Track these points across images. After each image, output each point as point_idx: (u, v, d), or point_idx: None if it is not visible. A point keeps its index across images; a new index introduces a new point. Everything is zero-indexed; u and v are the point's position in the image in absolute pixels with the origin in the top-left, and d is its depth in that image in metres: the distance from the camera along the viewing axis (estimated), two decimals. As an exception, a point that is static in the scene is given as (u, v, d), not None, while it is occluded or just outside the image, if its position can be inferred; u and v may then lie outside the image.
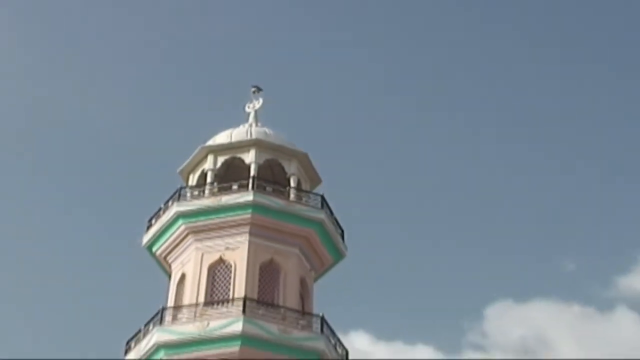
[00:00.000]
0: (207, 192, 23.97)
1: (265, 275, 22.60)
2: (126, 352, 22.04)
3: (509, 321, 56.29)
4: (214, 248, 22.90)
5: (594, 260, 57.49)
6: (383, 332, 51.99)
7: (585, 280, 58.83)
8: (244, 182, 23.73)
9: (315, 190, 25.27)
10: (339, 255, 24.40)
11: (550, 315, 56.03)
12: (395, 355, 51.94)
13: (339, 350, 22.01)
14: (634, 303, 56.23)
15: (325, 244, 23.96)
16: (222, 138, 25.30)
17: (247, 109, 26.83)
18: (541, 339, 55.83)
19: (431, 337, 57.33)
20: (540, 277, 56.15)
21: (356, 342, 22.61)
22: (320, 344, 20.86)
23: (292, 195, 24.04)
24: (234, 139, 25.05)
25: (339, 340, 22.15)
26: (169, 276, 24.01)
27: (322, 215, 23.54)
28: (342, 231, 24.56)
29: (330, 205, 24.44)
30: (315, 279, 24.42)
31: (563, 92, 61.35)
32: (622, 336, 53.71)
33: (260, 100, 26.89)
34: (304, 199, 24.28)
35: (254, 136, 25.08)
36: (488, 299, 56.86)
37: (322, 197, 24.17)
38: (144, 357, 21.17)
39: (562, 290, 57.52)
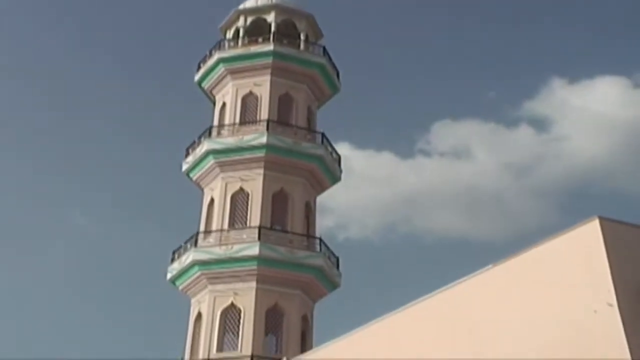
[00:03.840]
0: (239, 43, 27.30)
1: (283, 104, 26.23)
2: (186, 156, 26.09)
3: (447, 134, 61.99)
4: (246, 84, 26.39)
5: (508, 88, 62.91)
6: (359, 143, 58.37)
7: (499, 103, 64.93)
8: (267, 36, 27.02)
9: (319, 43, 28.45)
10: (335, 89, 28.04)
11: (473, 130, 61.62)
12: (367, 157, 58.26)
13: (334, 155, 26.10)
14: (532, 121, 61.85)
15: (326, 81, 27.49)
16: (250, 3, 28.42)
17: (268, -19, 28.90)
18: (466, 147, 62.84)
19: (392, 145, 64.83)
20: (470, 102, 62.42)
21: (341, 150, 26.78)
22: (320, 151, 25.03)
23: (301, 46, 27.37)
24: (259, 4, 28.14)
25: (334, 149, 26.28)
26: (214, 104, 27.54)
27: (323, 60, 27.12)
28: (338, 72, 28.08)
29: (330, 53, 27.70)
30: (318, 107, 27.96)
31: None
32: (522, 145, 59.69)
33: (279, -26, 28.91)
34: (310, 48, 27.62)
35: (274, 1, 28.05)
36: (433, 117, 64.37)
37: (324, 48, 27.71)
38: (197, 160, 25.18)
39: (483, 112, 64.29)
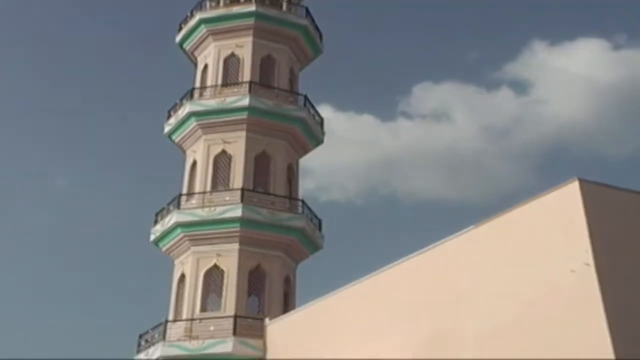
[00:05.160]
0: (221, 3, 26.74)
1: (265, 65, 25.96)
2: (168, 118, 25.85)
3: (428, 96, 63.47)
4: (228, 46, 26.04)
5: (490, 50, 63.50)
6: (340, 105, 58.68)
7: (481, 66, 65.23)
8: (248, -8, 26.13)
9: (301, 4, 27.99)
10: (318, 51, 27.79)
11: (455, 93, 62.96)
12: (348, 120, 58.41)
13: (317, 118, 25.99)
14: (512, 83, 63.37)
15: (308, 43, 27.23)
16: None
17: None
18: (447, 109, 63.97)
19: (373, 108, 64.57)
20: (451, 63, 63.12)
21: (322, 112, 26.44)
22: (302, 113, 24.91)
23: (284, 7, 26.94)
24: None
25: (316, 111, 26.13)
26: (195, 65, 27.22)
27: (306, 22, 26.79)
28: (321, 34, 27.82)
29: (312, 14, 27.24)
30: (301, 69, 27.76)
31: None
32: (502, 107, 61.20)
33: None
34: (292, 10, 27.15)
35: (255, -39, 27.02)
36: (414, 80, 66.45)
37: (306, 9, 27.30)
38: (179, 123, 24.94)
39: (464, 74, 63.86)
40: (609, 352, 10.83)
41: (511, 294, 13.17)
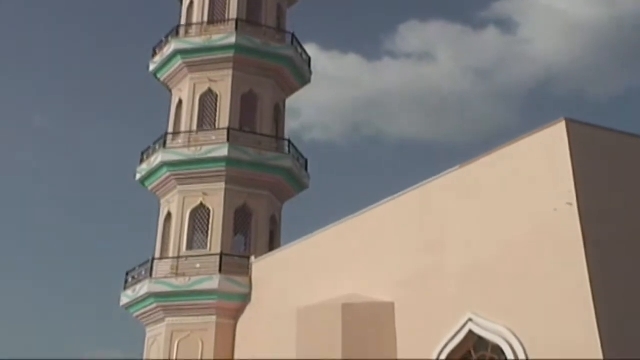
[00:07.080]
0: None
1: (251, 2, 25.60)
2: (153, 55, 25.46)
3: (414, 35, 63.06)
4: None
5: None
6: (325, 45, 57.89)
7: (469, 3, 64.33)
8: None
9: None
10: (304, -9, 27.32)
11: (440, 32, 62.45)
12: (332, 59, 57.76)
13: (304, 57, 25.69)
14: (499, 22, 63.41)
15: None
16: None
17: None
18: (433, 49, 63.73)
19: (358, 47, 64.75)
20: (439, 1, 61.72)
21: (308, 51, 26.22)
22: (289, 52, 24.51)
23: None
24: None
25: (304, 50, 25.78)
26: (181, 2, 26.65)
27: (293, -42, 26.23)
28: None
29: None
30: (288, 6, 27.39)
31: None
32: (488, 47, 60.55)
33: None
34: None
35: None
36: (400, 19, 64.65)
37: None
38: (165, 60, 24.60)
39: (451, 12, 62.81)
40: (587, 288, 11.06)
41: (495, 232, 13.34)
